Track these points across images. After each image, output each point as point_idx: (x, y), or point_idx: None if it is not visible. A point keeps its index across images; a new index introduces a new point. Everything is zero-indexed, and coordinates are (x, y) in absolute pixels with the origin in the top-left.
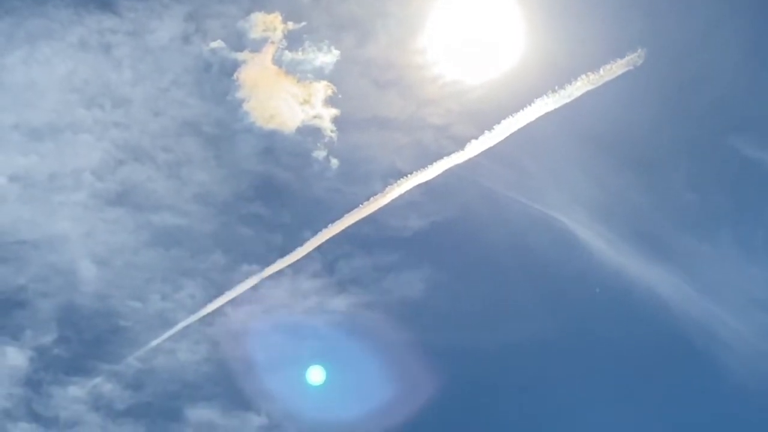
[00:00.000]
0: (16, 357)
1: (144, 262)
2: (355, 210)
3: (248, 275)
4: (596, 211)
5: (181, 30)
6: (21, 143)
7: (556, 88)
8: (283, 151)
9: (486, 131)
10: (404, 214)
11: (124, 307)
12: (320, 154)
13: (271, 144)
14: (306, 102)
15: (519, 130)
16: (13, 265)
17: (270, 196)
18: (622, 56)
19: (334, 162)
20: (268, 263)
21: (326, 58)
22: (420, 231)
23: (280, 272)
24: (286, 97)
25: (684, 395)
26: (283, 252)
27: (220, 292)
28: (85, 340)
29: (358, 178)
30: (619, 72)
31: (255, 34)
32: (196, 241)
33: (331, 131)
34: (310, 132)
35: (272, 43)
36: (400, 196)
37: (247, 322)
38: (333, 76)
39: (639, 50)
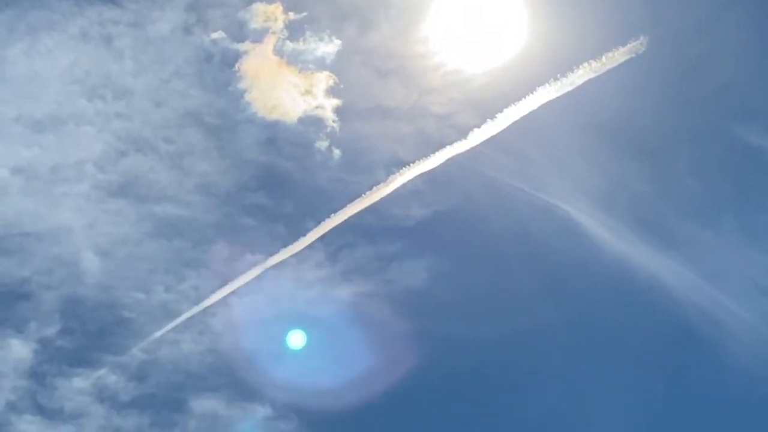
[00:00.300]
0: (21, 349)
1: (147, 254)
2: (358, 200)
3: (251, 266)
4: (599, 199)
5: (182, 21)
6: (23, 135)
7: (558, 76)
8: (285, 141)
9: (488, 120)
10: (407, 203)
11: (127, 299)
12: (323, 144)
13: (273, 134)
14: (308, 92)
15: (521, 118)
16: (16, 258)
17: (273, 186)
18: (624, 44)
19: (337, 152)
20: (271, 253)
21: (328, 48)
22: (423, 220)
23: (283, 262)
24: (287, 88)
25: (688, 382)
26: (287, 242)
27: (223, 283)
28: (89, 331)
29: (360, 167)
30: (621, 60)
31: (256, 24)
32: (199, 232)
33: (333, 121)
34: (312, 122)
35: (273, 33)
36: (403, 186)
37: (251, 313)
38: (334, 66)
39: (641, 38)
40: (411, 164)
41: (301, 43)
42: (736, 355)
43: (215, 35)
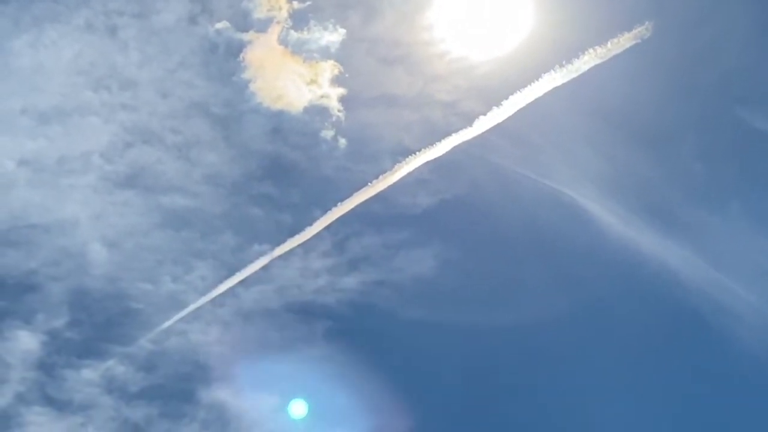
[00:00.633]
0: (29, 341)
1: (154, 244)
2: (364, 188)
3: (259, 255)
4: (605, 186)
5: (187, 11)
6: (29, 127)
7: (564, 62)
8: (291, 131)
9: (494, 107)
10: (413, 191)
11: (135, 290)
12: (328, 133)
13: (278, 124)
14: (313, 82)
15: (527, 105)
16: (23, 250)
17: (279, 176)
18: (629, 29)
19: (342, 141)
20: (278, 243)
21: (332, 37)
22: (429, 208)
23: (290, 252)
24: (292, 77)
25: (696, 366)
26: (293, 231)
27: (231, 273)
28: (97, 322)
29: (366, 156)
30: (627, 45)
31: (260, 14)
32: (206, 222)
33: (339, 110)
34: (317, 111)
35: (278, 22)
36: (409, 174)
37: (259, 303)
38: (339, 55)
39: (646, 23)
40: (417, 152)
41: (305, 33)
42: (743, 338)
43: (220, 25)
